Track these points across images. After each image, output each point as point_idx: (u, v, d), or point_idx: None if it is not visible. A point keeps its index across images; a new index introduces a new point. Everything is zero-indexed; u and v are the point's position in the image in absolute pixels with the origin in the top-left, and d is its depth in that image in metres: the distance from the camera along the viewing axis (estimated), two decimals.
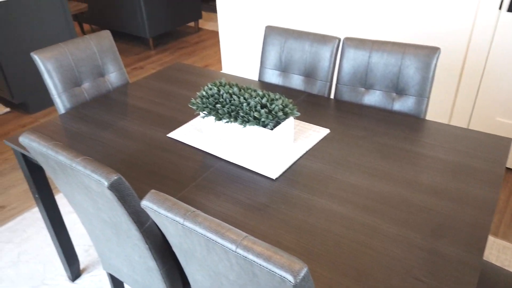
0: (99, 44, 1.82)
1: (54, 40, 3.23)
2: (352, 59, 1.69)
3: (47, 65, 1.65)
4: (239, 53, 3.32)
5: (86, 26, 5.26)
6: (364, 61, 1.67)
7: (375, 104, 1.70)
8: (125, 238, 1.11)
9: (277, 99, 1.37)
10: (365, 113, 1.61)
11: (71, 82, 1.73)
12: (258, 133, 1.34)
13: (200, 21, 5.43)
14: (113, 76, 1.88)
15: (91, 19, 4.66)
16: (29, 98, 3.21)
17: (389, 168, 1.30)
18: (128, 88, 1.88)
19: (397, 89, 1.64)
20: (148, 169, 1.34)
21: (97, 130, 1.56)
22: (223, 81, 1.49)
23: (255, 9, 3.02)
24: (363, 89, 1.72)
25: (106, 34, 1.86)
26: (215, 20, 5.51)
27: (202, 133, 1.51)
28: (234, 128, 1.40)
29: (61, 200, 2.34)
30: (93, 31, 4.97)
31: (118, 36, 5.02)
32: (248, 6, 3.05)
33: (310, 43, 1.80)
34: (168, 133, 1.53)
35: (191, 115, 1.64)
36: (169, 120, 1.61)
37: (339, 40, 1.75)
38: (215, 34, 4.98)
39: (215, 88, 1.45)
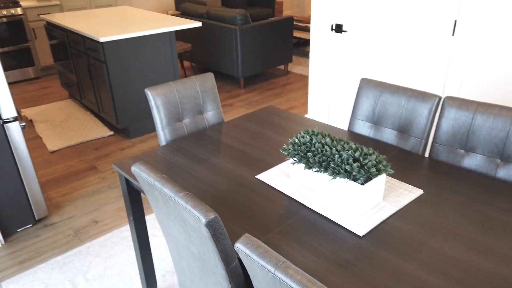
0: (203, 85, 1.98)
1: (159, 75, 3.57)
2: (453, 119, 1.62)
3: (156, 101, 1.84)
4: (326, 99, 3.35)
5: (186, 63, 5.75)
6: (466, 122, 1.59)
7: (475, 169, 1.59)
8: (210, 274, 1.15)
9: (370, 154, 1.36)
10: (464, 177, 1.51)
11: (174, 118, 1.90)
12: (348, 186, 1.33)
13: (289, 64, 5.62)
14: (211, 114, 2.02)
15: (191, 57, 5.08)
16: (131, 125, 3.56)
17: (490, 241, 1.19)
18: (223, 126, 2.00)
19: (503, 155, 1.52)
20: (235, 208, 1.39)
21: (193, 164, 1.67)
22: (315, 130, 1.52)
23: (347, 59, 3.06)
24: (462, 151, 1.62)
25: (210, 76, 2.02)
26: (303, 64, 5.67)
27: (290, 178, 1.53)
28: (323, 178, 1.40)
29: (147, 222, 2.50)
30: (192, 68, 5.40)
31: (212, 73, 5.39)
32: (341, 56, 3.10)
33: (407, 99, 1.76)
34: (256, 174, 1.58)
35: (280, 159, 1.68)
36: (258, 162, 1.67)
37: (439, 98, 1.69)
38: (302, 78, 5.11)
39: (308, 136, 1.48)
